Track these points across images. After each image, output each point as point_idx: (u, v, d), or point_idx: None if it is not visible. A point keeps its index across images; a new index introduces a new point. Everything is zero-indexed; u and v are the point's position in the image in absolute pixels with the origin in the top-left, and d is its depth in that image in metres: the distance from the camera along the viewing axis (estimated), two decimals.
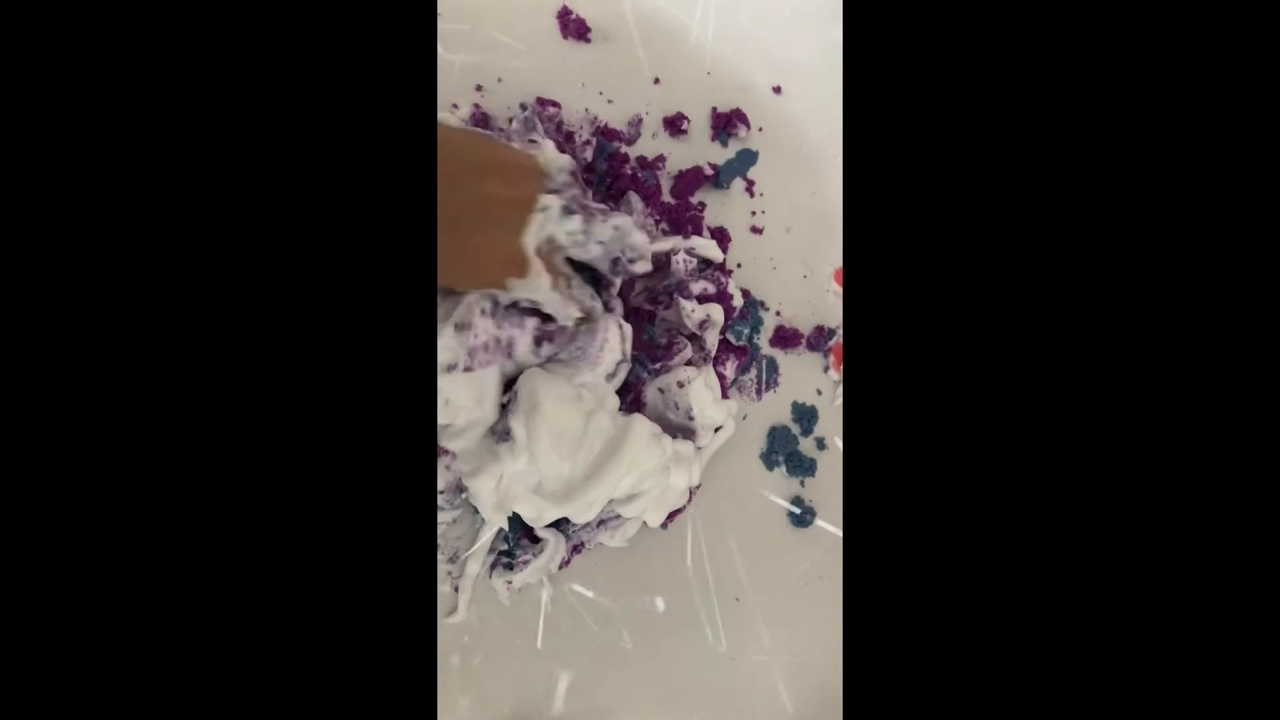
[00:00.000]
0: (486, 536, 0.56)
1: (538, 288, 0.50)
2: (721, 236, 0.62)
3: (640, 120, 0.62)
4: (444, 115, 0.58)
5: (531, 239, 0.50)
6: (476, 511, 0.57)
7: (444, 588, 0.58)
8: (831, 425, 0.63)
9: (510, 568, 0.57)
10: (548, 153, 0.53)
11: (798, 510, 0.61)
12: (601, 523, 0.57)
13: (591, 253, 0.52)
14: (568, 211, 0.51)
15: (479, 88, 0.61)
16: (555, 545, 0.56)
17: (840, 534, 0.62)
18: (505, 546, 0.58)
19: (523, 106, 0.60)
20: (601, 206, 0.54)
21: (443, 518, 0.56)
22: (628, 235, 0.53)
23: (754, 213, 0.64)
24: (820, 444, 0.63)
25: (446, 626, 0.57)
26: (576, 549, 0.58)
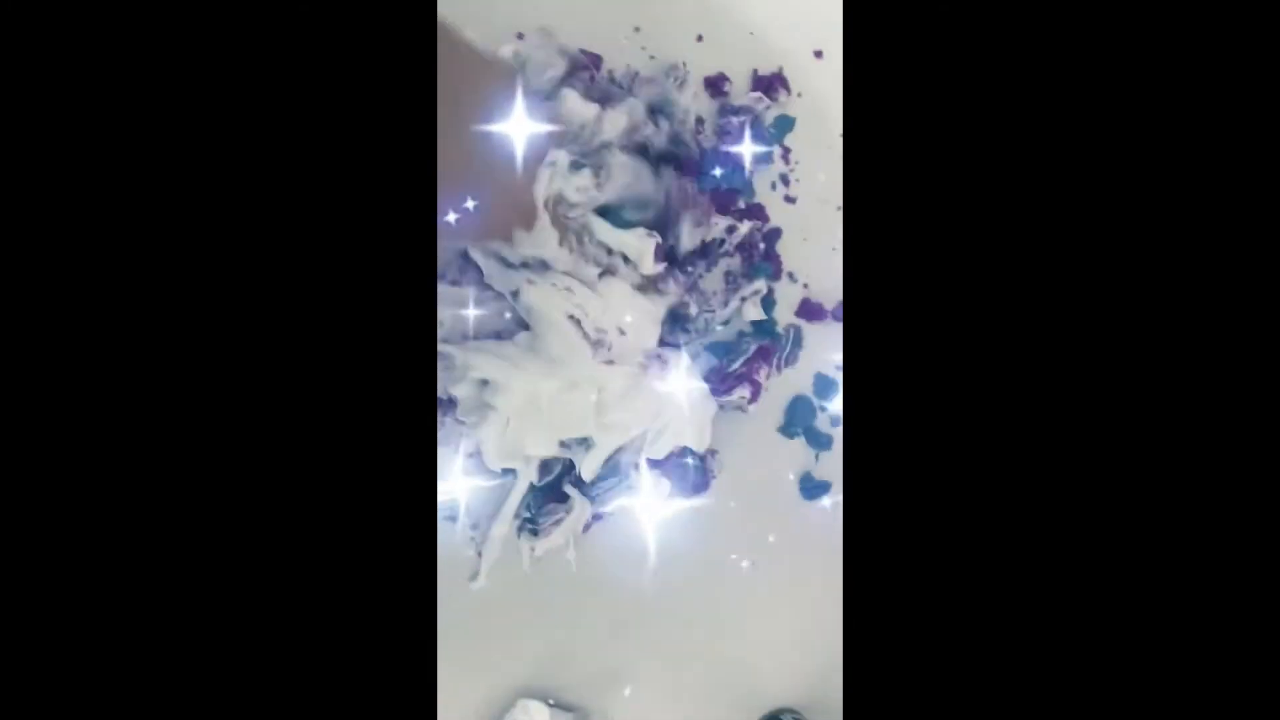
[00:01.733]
0: (511, 501, 0.56)
1: (543, 243, 0.48)
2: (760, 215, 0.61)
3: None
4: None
5: (540, 191, 0.47)
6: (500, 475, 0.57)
7: (468, 553, 0.58)
8: None
9: (535, 533, 0.57)
10: (569, 103, 0.51)
11: (810, 484, 0.63)
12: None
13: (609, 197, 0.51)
14: (576, 166, 0.49)
15: (520, 35, 0.58)
16: (580, 507, 0.56)
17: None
18: (528, 514, 0.58)
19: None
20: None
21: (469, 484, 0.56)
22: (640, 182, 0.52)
23: (788, 181, 0.63)
24: (838, 419, 0.63)
25: (469, 592, 0.58)
26: (597, 517, 0.59)
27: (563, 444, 0.54)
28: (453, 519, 0.57)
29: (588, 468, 0.56)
